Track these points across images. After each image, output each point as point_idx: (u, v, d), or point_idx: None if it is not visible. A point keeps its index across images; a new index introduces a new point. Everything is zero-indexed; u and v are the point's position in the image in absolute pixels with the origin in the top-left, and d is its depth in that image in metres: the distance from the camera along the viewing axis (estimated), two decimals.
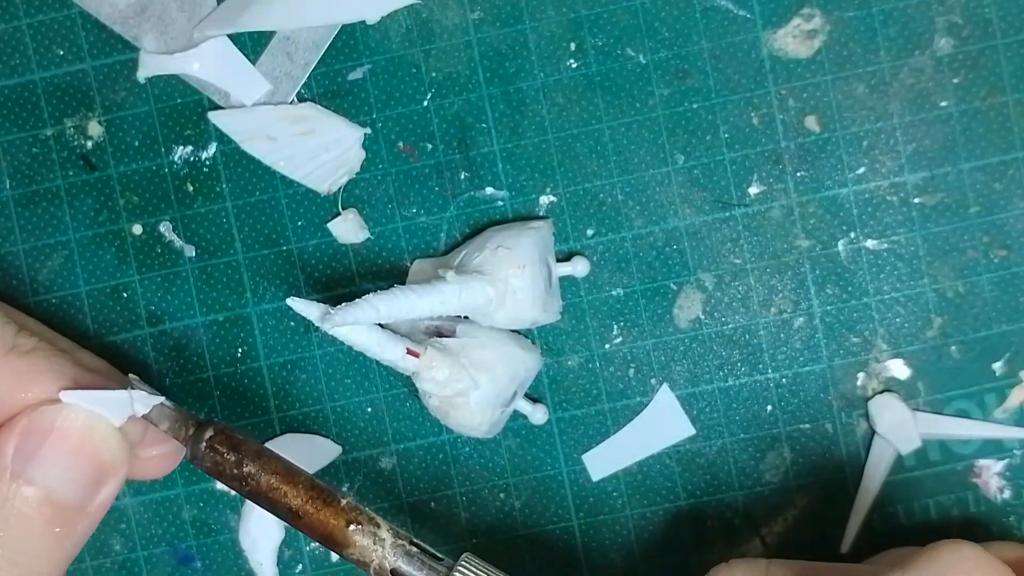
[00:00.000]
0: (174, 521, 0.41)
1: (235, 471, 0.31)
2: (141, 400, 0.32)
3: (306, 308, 0.33)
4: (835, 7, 0.39)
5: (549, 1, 0.39)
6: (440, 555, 0.32)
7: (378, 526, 0.32)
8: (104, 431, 0.31)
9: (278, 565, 0.41)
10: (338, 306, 0.33)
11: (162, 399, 0.32)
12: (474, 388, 0.36)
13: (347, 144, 0.40)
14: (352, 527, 0.31)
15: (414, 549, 0.32)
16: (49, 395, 0.31)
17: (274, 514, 0.32)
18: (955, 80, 0.39)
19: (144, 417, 0.32)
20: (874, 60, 0.39)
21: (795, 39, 0.39)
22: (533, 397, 0.40)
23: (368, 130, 0.40)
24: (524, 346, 0.38)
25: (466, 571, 0.32)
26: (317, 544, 0.41)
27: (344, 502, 0.32)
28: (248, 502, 0.40)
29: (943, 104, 0.39)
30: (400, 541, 0.32)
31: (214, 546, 0.41)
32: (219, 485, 0.41)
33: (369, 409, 0.41)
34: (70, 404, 0.31)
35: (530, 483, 0.40)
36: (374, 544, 0.31)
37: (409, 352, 0.35)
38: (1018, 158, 0.39)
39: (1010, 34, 0.39)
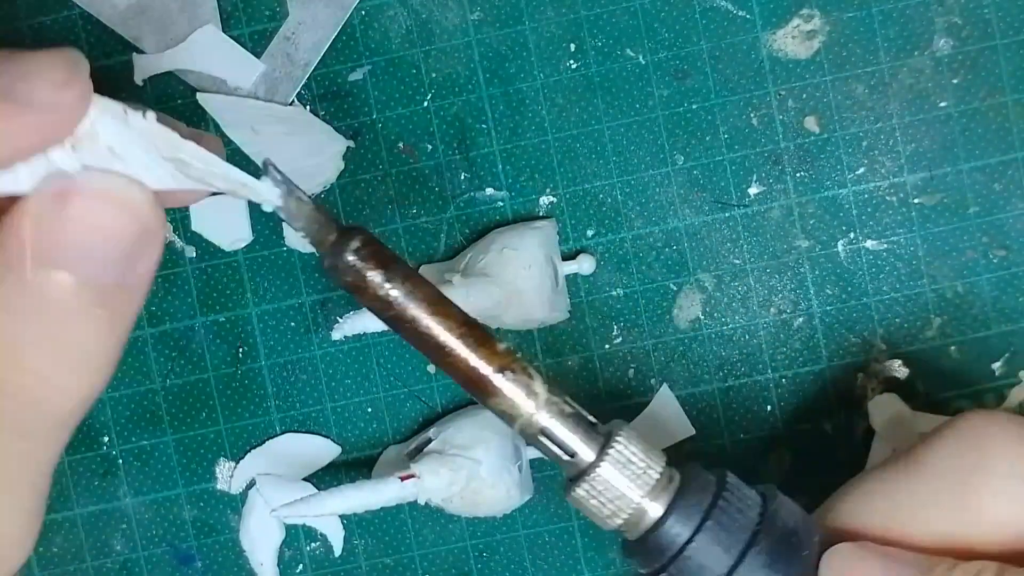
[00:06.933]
0: (175, 521, 0.41)
1: (380, 292, 0.25)
2: (270, 187, 0.24)
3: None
4: (834, 7, 0.39)
5: (549, 1, 0.39)
6: (594, 420, 0.28)
7: (532, 378, 0.27)
8: (134, 197, 0.24)
9: (278, 565, 0.41)
10: (345, 316, 0.33)
11: (301, 191, 0.25)
12: (478, 464, 0.36)
13: (328, 153, 0.40)
14: (504, 374, 0.26)
15: (569, 409, 0.27)
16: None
17: (416, 347, 0.27)
18: (955, 80, 0.39)
19: (276, 210, 0.25)
20: (873, 60, 0.39)
21: (794, 40, 0.39)
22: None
23: (351, 142, 0.40)
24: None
25: (624, 444, 0.27)
26: (318, 543, 0.41)
27: (502, 346, 0.27)
28: (249, 500, 0.41)
29: (943, 104, 0.39)
30: (555, 399, 0.27)
31: (214, 546, 0.41)
32: (219, 485, 0.41)
33: (369, 409, 0.41)
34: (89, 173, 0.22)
35: None
36: (526, 397, 0.26)
37: (403, 479, 0.35)
38: (1017, 158, 0.39)
39: (1009, 34, 0.39)
